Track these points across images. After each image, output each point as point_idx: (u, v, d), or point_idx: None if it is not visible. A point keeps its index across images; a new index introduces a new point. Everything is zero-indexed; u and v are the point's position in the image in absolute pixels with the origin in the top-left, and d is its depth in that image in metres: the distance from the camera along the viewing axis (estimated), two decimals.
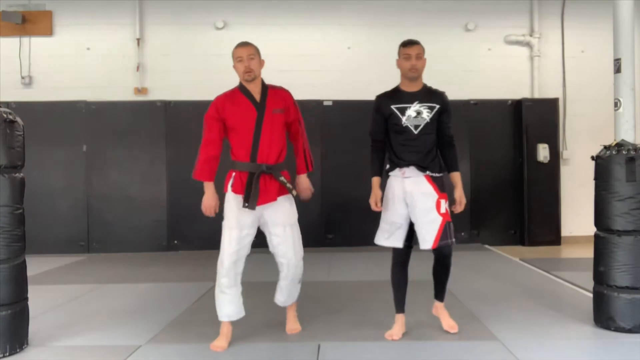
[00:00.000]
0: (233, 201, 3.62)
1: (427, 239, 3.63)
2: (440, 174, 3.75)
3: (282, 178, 3.65)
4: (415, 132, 3.70)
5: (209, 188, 3.68)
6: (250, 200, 3.56)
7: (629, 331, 3.71)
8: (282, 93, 3.76)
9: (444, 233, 3.62)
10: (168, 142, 8.07)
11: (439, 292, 3.92)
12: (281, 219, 3.68)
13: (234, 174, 3.66)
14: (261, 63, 3.71)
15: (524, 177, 8.21)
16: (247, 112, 3.63)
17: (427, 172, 3.69)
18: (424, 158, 3.70)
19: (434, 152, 3.77)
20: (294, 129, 3.82)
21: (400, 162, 3.72)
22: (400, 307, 3.85)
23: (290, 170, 3.79)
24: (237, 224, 3.60)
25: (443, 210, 3.65)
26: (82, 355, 3.55)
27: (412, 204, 3.68)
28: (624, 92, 5.03)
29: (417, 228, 3.69)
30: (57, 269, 6.68)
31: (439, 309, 3.94)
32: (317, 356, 3.43)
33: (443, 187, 3.73)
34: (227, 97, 3.70)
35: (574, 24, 8.45)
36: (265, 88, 3.71)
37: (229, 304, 3.64)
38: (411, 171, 3.70)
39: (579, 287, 5.12)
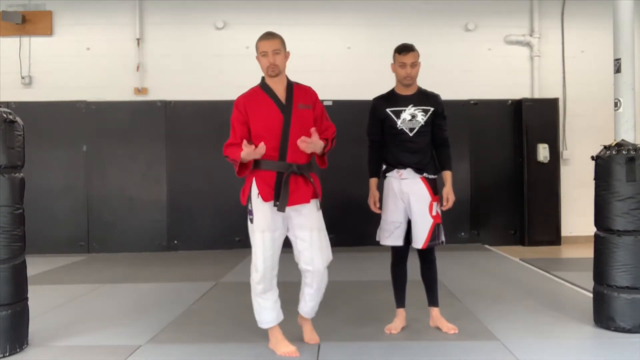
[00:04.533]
0: (262, 204, 3.39)
1: (418, 239, 3.76)
2: (435, 176, 3.84)
3: (312, 180, 3.46)
4: (411, 134, 3.79)
5: (244, 152, 3.26)
6: (280, 200, 3.33)
7: (629, 331, 3.70)
8: (308, 89, 3.57)
9: (433, 234, 3.76)
10: (168, 142, 8.07)
11: (431, 295, 3.92)
12: (308, 222, 3.45)
13: (254, 179, 3.41)
14: (286, 56, 3.50)
15: (524, 177, 8.21)
16: (271, 116, 3.40)
17: (424, 174, 3.79)
18: (420, 160, 3.79)
19: (430, 153, 3.85)
20: (319, 125, 3.52)
21: (397, 164, 3.81)
22: (400, 302, 3.95)
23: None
24: (269, 226, 3.38)
25: (434, 212, 3.78)
26: (82, 355, 3.54)
27: (408, 204, 3.79)
28: (624, 92, 5.03)
29: (412, 227, 3.79)
30: (57, 269, 6.68)
31: (435, 318, 3.93)
32: (317, 356, 3.44)
33: (436, 190, 3.83)
34: (249, 98, 3.45)
35: (574, 24, 8.44)
36: (290, 85, 3.53)
37: (269, 310, 3.45)
38: (408, 173, 3.79)
39: (579, 287, 5.12)
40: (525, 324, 4.04)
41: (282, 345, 3.47)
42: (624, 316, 3.72)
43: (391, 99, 3.88)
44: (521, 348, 3.49)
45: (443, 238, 3.83)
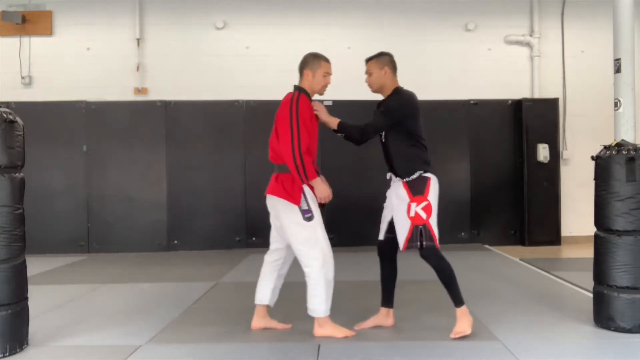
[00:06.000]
0: (316, 203, 3.80)
1: (399, 241, 3.77)
2: (414, 177, 3.74)
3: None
4: (383, 140, 3.88)
5: (318, 181, 3.78)
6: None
7: (629, 331, 3.71)
8: None
9: (412, 236, 3.68)
10: (168, 142, 8.07)
11: (450, 296, 3.83)
12: None
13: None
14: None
15: (524, 177, 8.21)
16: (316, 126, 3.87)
17: (400, 178, 3.79)
18: (394, 163, 3.82)
19: (403, 156, 3.80)
20: None
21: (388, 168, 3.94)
22: (382, 300, 4.02)
23: None
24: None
25: (412, 214, 3.69)
26: (82, 355, 3.55)
27: (392, 207, 3.85)
28: (624, 92, 5.04)
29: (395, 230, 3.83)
30: (57, 269, 6.68)
31: (457, 315, 3.81)
32: (317, 356, 3.44)
33: (417, 190, 3.71)
34: (310, 105, 3.87)
35: (574, 24, 8.45)
36: None
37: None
38: (393, 177, 3.88)
39: (579, 287, 5.12)
40: (525, 324, 4.04)
41: (340, 328, 3.78)
42: (624, 316, 3.73)
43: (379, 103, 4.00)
44: (521, 348, 3.50)
45: (419, 242, 3.65)
